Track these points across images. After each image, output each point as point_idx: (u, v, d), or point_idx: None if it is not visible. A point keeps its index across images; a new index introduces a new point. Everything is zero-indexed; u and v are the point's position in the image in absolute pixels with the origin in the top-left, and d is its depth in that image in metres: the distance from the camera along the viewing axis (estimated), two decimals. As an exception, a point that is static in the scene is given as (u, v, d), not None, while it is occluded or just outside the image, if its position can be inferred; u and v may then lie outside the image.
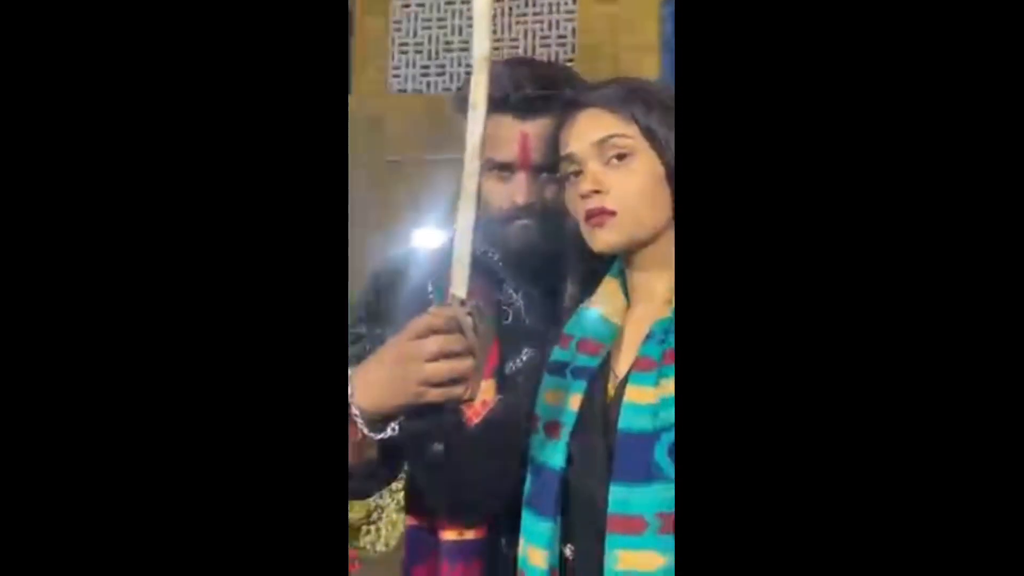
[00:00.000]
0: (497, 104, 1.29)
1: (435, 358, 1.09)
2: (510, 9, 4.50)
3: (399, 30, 4.50)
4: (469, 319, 1.12)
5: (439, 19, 4.61)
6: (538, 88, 1.31)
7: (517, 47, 4.39)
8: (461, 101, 1.22)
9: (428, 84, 4.39)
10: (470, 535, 1.26)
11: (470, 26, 4.22)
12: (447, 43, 4.47)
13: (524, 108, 1.31)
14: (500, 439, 1.23)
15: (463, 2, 4.44)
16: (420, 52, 4.48)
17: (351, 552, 2.59)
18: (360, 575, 2.57)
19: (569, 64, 4.41)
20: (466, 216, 1.17)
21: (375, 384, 1.12)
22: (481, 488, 1.23)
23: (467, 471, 1.23)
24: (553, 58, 4.51)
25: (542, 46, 4.42)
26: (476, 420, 1.28)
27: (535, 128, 1.31)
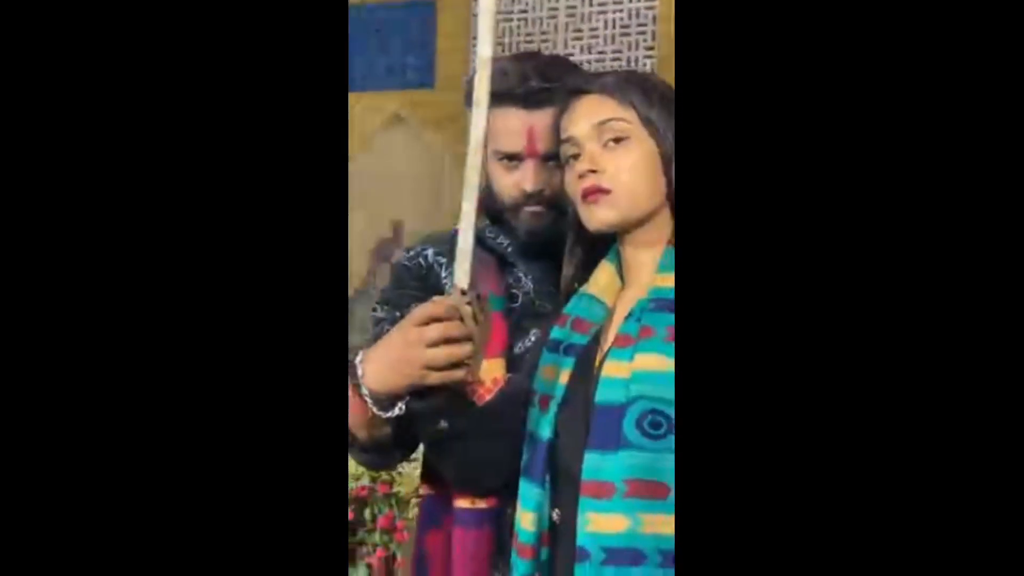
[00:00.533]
0: (504, 97, 1.38)
1: (436, 344, 1.20)
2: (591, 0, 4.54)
3: (481, 24, 4.57)
4: (469, 308, 1.22)
5: (520, 11, 4.68)
6: (542, 81, 1.39)
7: (597, 36, 4.44)
8: (470, 97, 1.30)
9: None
10: (482, 504, 1.35)
11: (552, 17, 4.22)
12: (528, 35, 4.53)
13: (530, 100, 1.39)
14: (508, 415, 1.32)
15: (545, -7, 4.45)
16: (501, 45, 4.55)
17: (399, 523, 2.70)
18: (408, 545, 2.68)
19: (650, 52, 4.44)
20: (468, 209, 1.26)
21: (382, 367, 1.22)
22: (489, 462, 1.32)
23: (477, 447, 1.32)
24: (633, 47, 4.54)
25: (622, 35, 4.46)
26: (488, 397, 1.37)
27: (541, 119, 1.39)
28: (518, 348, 1.41)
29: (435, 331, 1.20)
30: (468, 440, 1.31)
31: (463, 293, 1.23)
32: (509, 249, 1.46)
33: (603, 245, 1.36)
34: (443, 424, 1.28)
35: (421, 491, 1.43)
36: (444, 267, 1.45)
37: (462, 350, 1.20)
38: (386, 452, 1.36)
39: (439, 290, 1.40)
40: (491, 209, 1.45)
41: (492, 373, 1.38)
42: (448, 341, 1.20)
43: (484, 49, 1.29)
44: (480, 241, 1.44)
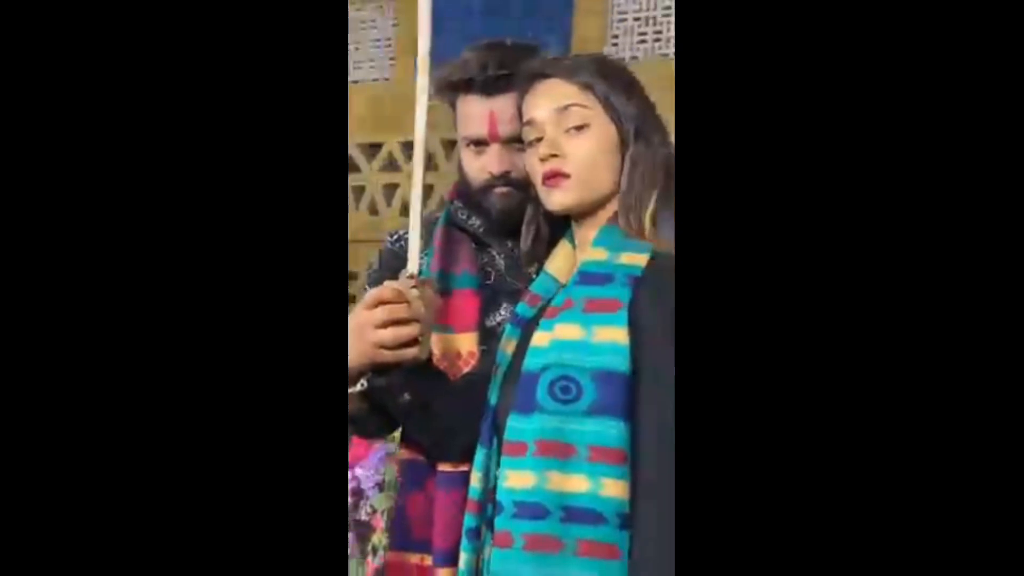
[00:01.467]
0: (466, 85, 1.47)
1: (384, 325, 1.32)
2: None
3: (619, -1, 4.63)
4: (415, 291, 1.33)
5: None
6: (500, 68, 1.46)
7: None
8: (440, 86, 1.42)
9: (644, 51, 4.50)
10: (463, 468, 1.44)
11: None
12: (665, 8, 4.54)
13: (488, 87, 1.47)
14: (478, 387, 1.41)
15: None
16: (639, 19, 4.59)
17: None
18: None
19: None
20: (415, 202, 1.38)
21: None
22: (460, 431, 1.42)
23: (449, 416, 1.43)
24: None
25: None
26: (466, 369, 1.47)
27: (502, 104, 1.46)
28: (490, 322, 1.50)
29: (381, 313, 1.32)
30: (442, 410, 1.42)
31: (411, 277, 1.35)
32: (481, 229, 1.54)
33: (563, 223, 1.43)
34: (406, 397, 1.39)
35: (402, 456, 1.53)
36: (422, 251, 1.55)
37: (408, 331, 1.32)
38: (366, 424, 1.48)
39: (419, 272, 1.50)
40: (464, 192, 1.54)
41: (467, 347, 1.48)
42: (396, 323, 1.31)
43: (422, 46, 1.39)
44: (454, 222, 1.55)
